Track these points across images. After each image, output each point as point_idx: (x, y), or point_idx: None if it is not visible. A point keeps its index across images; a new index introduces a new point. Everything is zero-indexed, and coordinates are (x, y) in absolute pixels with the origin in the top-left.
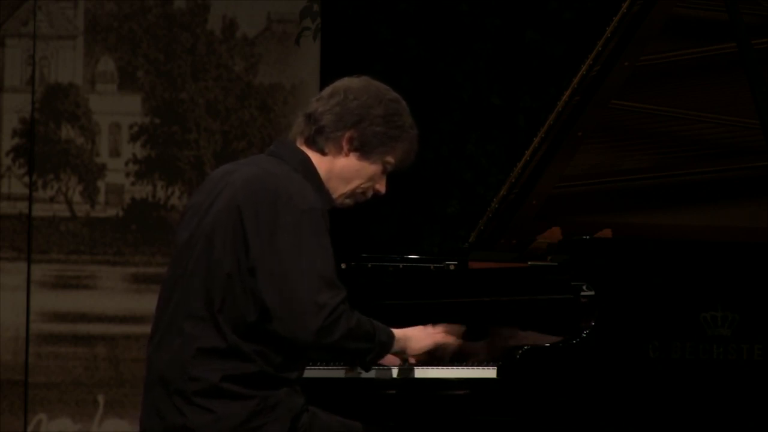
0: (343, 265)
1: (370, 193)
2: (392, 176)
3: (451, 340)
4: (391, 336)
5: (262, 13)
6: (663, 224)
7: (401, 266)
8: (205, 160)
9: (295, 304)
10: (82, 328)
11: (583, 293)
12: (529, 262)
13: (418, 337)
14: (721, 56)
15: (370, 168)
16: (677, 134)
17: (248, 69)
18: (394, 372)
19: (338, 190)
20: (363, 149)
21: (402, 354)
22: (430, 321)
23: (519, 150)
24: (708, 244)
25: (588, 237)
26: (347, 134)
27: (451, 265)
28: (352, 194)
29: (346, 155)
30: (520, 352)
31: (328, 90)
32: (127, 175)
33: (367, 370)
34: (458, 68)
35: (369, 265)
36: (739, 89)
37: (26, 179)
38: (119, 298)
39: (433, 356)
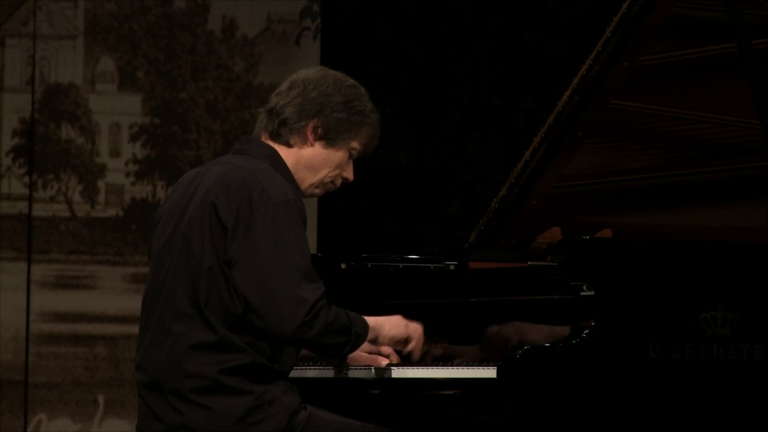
0: (343, 265)
1: (339, 182)
2: (393, 177)
3: (419, 337)
4: (366, 326)
5: (262, 13)
6: (663, 224)
7: (401, 266)
8: (205, 160)
9: (276, 299)
10: (82, 328)
11: (583, 293)
12: (529, 262)
13: (390, 325)
14: (721, 56)
15: (337, 155)
16: (677, 134)
17: (248, 69)
18: (394, 372)
19: (307, 180)
20: (327, 137)
21: (374, 342)
22: (430, 321)
23: (519, 150)
24: (708, 244)
25: (588, 237)
26: (311, 124)
27: (451, 265)
28: (321, 184)
29: (312, 145)
30: (520, 352)
31: (286, 84)
32: (127, 175)
33: (342, 361)
34: (458, 68)
35: (369, 265)
36: (739, 89)
37: (26, 179)
38: (119, 298)
39: (407, 354)
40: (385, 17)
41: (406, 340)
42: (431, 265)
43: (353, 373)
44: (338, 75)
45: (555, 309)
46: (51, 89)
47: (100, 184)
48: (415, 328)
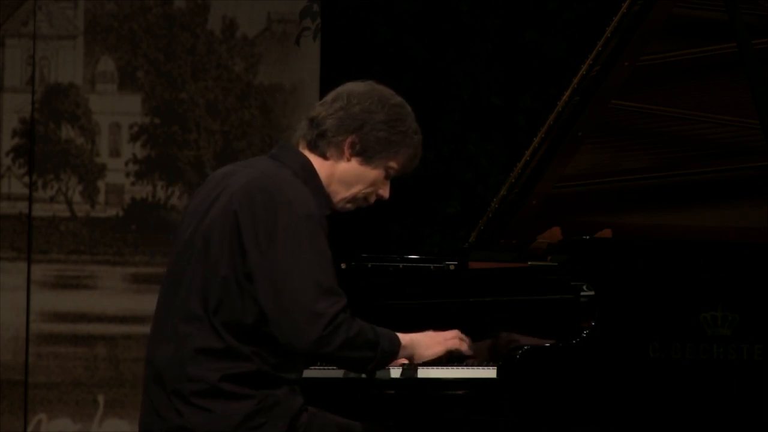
0: (343, 265)
1: (372, 199)
2: (392, 177)
3: (464, 347)
4: (396, 344)
5: (262, 13)
6: (663, 224)
7: (401, 266)
8: (205, 160)
9: (293, 313)
10: (82, 328)
11: (583, 293)
12: (529, 262)
13: (428, 343)
14: (721, 56)
15: (372, 173)
16: (677, 134)
17: (248, 69)
18: (394, 372)
19: (339, 194)
20: (365, 154)
21: (410, 359)
22: (430, 321)
23: (519, 150)
24: (708, 244)
25: (588, 237)
26: (349, 139)
27: (451, 265)
28: (353, 199)
29: (348, 160)
30: (520, 352)
31: (331, 94)
32: (127, 175)
33: (370, 378)
34: (458, 68)
35: (369, 265)
36: (739, 89)
37: (26, 179)
38: (119, 298)
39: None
40: (385, 17)
41: (450, 352)
42: (431, 265)
43: (353, 374)
44: (385, 92)
45: (555, 309)
46: (51, 89)
47: (100, 184)
48: (452, 339)
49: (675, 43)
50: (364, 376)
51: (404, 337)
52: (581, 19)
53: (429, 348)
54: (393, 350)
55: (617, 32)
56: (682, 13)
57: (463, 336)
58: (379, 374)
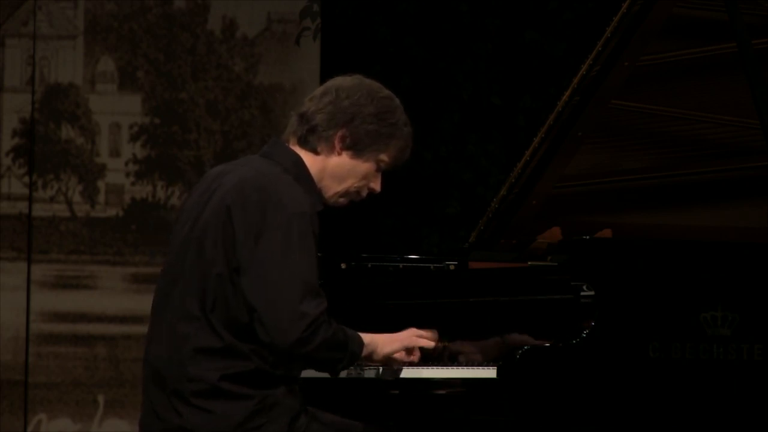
0: (343, 265)
1: (365, 192)
2: (393, 177)
3: (423, 342)
4: (361, 344)
5: (262, 13)
6: (663, 224)
7: (401, 266)
8: (205, 160)
9: (277, 311)
10: (82, 328)
11: (583, 293)
12: (529, 262)
13: (384, 342)
14: (721, 56)
15: (363, 166)
16: (677, 134)
17: (248, 69)
18: (395, 372)
19: (331, 189)
20: (355, 148)
21: (369, 359)
22: (430, 321)
23: (519, 150)
24: (708, 244)
25: (588, 237)
26: (339, 133)
27: (451, 265)
28: (345, 193)
29: (339, 154)
30: (520, 352)
31: (320, 89)
32: (127, 175)
33: (335, 377)
34: (458, 68)
35: (369, 265)
36: (739, 89)
37: (26, 179)
38: (119, 298)
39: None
40: (385, 17)
41: (409, 351)
42: (431, 265)
43: (351, 373)
44: (374, 85)
45: (555, 309)
46: (51, 89)
47: (100, 184)
48: (407, 337)
49: (675, 43)
50: (362, 373)
51: (365, 337)
52: (581, 19)
53: (385, 346)
54: (359, 351)
55: (617, 32)
56: (682, 13)
57: (421, 332)
58: (380, 374)
